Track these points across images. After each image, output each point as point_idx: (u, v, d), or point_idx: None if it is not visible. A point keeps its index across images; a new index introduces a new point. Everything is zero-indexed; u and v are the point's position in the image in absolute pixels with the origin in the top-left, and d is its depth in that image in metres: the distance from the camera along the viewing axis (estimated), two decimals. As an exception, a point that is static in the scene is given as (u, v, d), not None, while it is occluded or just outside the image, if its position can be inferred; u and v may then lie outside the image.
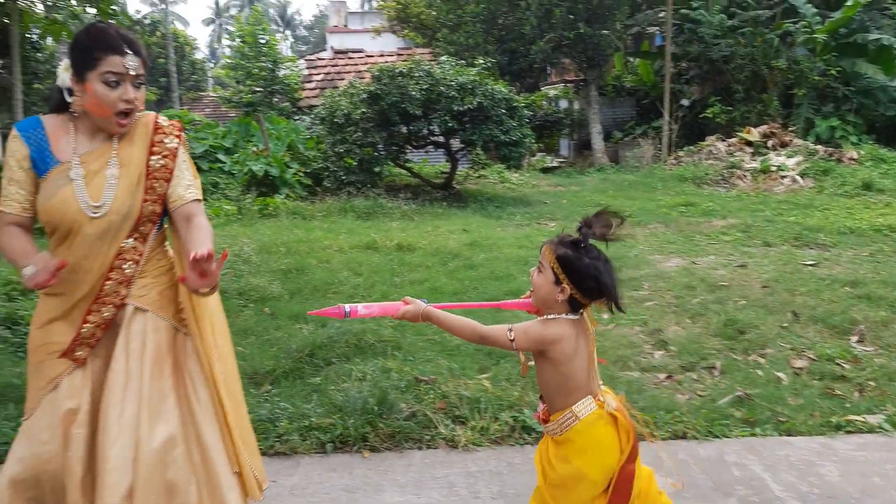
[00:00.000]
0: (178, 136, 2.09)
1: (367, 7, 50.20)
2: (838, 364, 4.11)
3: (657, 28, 20.04)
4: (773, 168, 12.84)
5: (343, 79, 16.58)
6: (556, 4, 15.68)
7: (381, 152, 11.27)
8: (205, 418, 2.04)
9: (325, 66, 17.75)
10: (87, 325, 2.00)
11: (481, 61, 11.34)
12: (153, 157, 2.04)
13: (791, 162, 12.95)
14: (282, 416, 3.42)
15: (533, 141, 12.30)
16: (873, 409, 3.55)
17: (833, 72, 15.50)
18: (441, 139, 11.74)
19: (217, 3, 57.94)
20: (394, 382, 3.74)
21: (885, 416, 3.46)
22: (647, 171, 14.70)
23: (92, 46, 1.93)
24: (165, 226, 2.17)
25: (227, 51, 16.15)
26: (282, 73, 15.23)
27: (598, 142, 17.72)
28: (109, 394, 1.95)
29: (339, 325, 4.58)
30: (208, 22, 58.93)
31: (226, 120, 15.87)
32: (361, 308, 2.04)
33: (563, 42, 16.57)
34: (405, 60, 15.32)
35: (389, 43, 23.80)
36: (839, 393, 3.74)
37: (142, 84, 1.99)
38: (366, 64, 17.31)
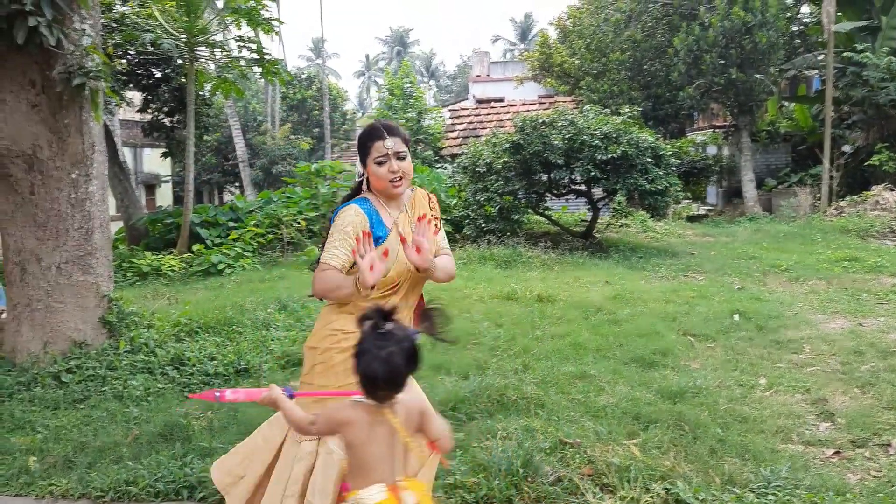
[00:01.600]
0: (437, 204, 2.72)
1: (508, 56, 51.32)
2: None
3: (816, 71, 18.96)
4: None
5: (485, 128, 16.91)
6: (705, 50, 15.22)
7: (521, 200, 11.31)
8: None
9: (468, 116, 18.18)
10: None
11: (626, 109, 11.17)
12: (435, 220, 2.61)
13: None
14: (427, 472, 3.42)
15: (678, 189, 11.89)
16: None
17: None
18: (582, 187, 11.62)
19: (367, 57, 61.45)
20: (538, 443, 3.64)
21: None
22: (805, 222, 13.77)
23: (365, 140, 2.51)
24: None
25: (375, 102, 16.93)
26: (426, 122, 15.74)
27: (749, 189, 16.83)
28: None
29: (482, 380, 4.57)
30: (358, 74, 62.56)
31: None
32: (230, 393, 2.25)
33: (712, 88, 16.03)
34: (547, 109, 15.43)
35: (531, 91, 24.09)
36: None
37: (405, 156, 2.49)
38: (507, 112, 17.59)
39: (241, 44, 10.82)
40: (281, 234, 11.74)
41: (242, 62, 10.92)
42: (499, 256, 9.96)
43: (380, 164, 2.46)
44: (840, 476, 3.38)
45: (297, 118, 31.22)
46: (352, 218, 2.44)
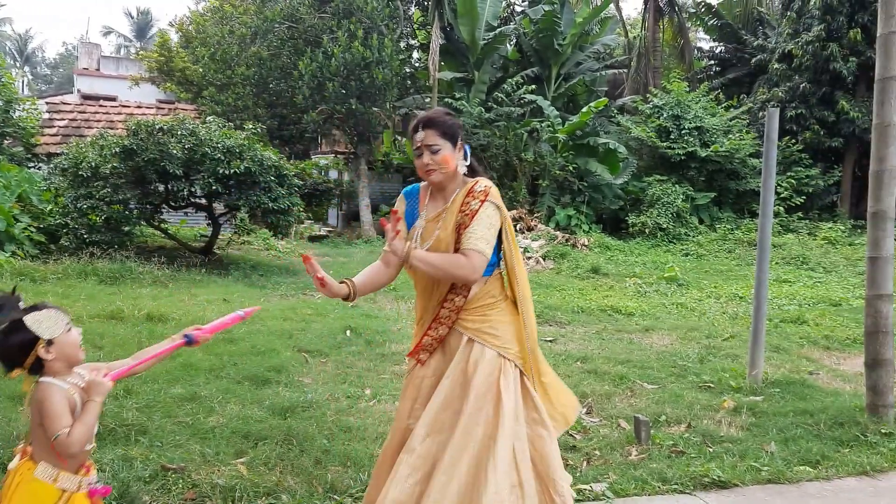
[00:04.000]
0: (482, 200, 2.53)
1: (123, 52, 47.21)
2: (571, 435, 4.42)
3: (424, 112, 21.30)
4: (521, 250, 14.05)
5: (92, 127, 15.26)
6: (328, 78, 15.99)
7: (133, 210, 10.43)
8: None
9: (71, 112, 16.19)
10: (427, 336, 2.61)
11: (250, 126, 11.09)
12: (459, 214, 2.54)
13: (535, 245, 14.27)
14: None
15: (301, 209, 12.20)
16: (598, 477, 3.74)
17: (571, 167, 17.56)
18: (203, 201, 11.18)
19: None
20: (137, 473, 3.35)
21: (607, 483, 3.72)
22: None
23: (410, 130, 2.65)
24: (502, 271, 2.68)
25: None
26: (16, 114, 13.55)
27: (366, 214, 18.12)
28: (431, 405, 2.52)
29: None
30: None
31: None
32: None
33: (334, 115, 16.89)
34: (167, 115, 14.55)
35: (149, 94, 22.43)
36: (571, 462, 4.00)
37: (438, 149, 2.52)
38: (119, 113, 16.13)
39: None
40: None
41: None
42: (103, 271, 8.99)
43: (417, 155, 2.57)
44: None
45: None
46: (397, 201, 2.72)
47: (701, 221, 17.93)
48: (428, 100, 19.13)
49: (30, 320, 1.96)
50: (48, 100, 18.87)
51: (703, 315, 9.27)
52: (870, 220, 4.64)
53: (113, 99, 22.91)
